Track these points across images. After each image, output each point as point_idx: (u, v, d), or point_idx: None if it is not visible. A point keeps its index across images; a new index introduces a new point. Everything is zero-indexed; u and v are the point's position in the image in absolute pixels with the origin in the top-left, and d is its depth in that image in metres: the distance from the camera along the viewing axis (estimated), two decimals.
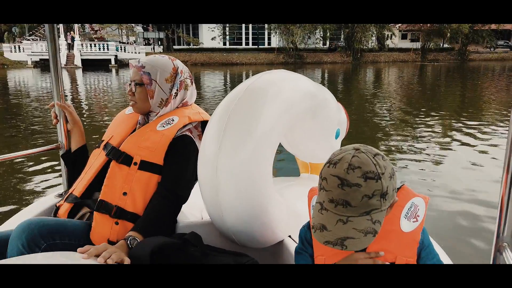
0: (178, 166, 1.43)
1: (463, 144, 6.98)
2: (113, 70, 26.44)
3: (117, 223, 1.37)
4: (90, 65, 27.37)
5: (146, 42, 37.24)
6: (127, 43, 34.22)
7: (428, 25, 38.67)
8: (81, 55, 28.09)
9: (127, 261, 1.10)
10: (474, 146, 6.82)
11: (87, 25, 37.03)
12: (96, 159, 1.52)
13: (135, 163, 1.41)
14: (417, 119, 9.40)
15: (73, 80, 19.98)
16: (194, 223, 1.52)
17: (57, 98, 1.71)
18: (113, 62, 28.82)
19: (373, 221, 0.88)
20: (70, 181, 1.70)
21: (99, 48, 29.09)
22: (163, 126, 1.47)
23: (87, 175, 1.50)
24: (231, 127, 1.25)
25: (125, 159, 1.42)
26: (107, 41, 31.32)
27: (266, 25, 37.89)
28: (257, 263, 1.27)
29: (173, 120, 1.49)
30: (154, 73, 1.49)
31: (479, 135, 7.60)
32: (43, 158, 5.89)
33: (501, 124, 8.53)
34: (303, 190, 1.20)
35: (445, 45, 42.60)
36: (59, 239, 1.27)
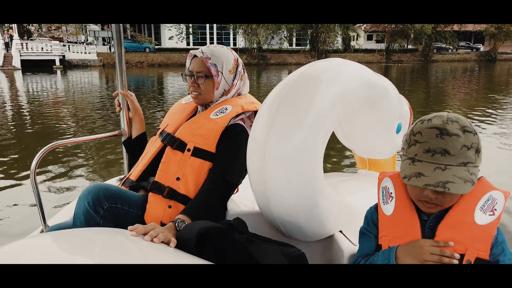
0: (229, 153, 1.45)
1: None
2: (58, 72, 23.89)
3: (170, 206, 1.41)
4: (30, 66, 24.63)
5: (103, 41, 35.06)
6: (83, 42, 31.85)
7: (393, 26, 38.55)
8: (20, 55, 25.21)
9: (173, 242, 1.09)
10: None
11: (43, 25, 34.52)
12: (152, 145, 1.57)
13: (189, 150, 1.44)
14: None
15: (12, 83, 17.69)
16: (244, 212, 1.54)
17: (120, 88, 1.75)
18: (57, 63, 26.16)
19: (470, 173, 0.90)
20: (131, 166, 1.71)
21: (42, 48, 26.22)
22: (217, 115, 1.49)
23: (143, 160, 1.55)
24: (281, 113, 1.22)
25: (180, 145, 1.46)
26: (50, 40, 28.74)
27: (231, 25, 36.37)
28: (303, 255, 1.25)
29: (226, 109, 1.51)
30: (220, 64, 1.52)
31: None
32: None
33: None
34: (359, 185, 1.11)
35: (409, 46, 42.68)
36: (120, 204, 1.37)
